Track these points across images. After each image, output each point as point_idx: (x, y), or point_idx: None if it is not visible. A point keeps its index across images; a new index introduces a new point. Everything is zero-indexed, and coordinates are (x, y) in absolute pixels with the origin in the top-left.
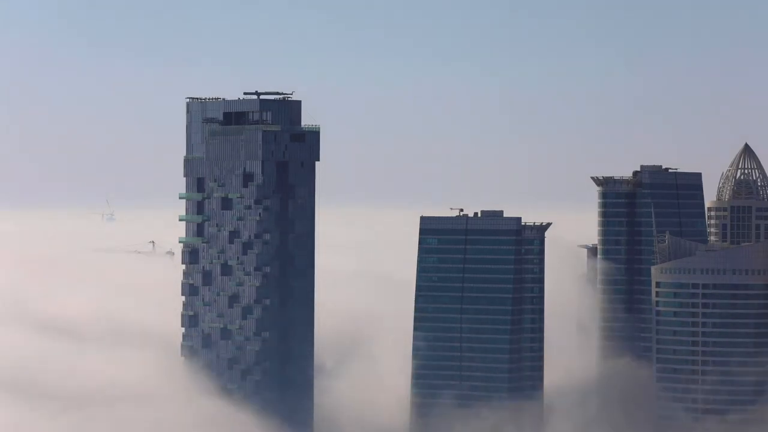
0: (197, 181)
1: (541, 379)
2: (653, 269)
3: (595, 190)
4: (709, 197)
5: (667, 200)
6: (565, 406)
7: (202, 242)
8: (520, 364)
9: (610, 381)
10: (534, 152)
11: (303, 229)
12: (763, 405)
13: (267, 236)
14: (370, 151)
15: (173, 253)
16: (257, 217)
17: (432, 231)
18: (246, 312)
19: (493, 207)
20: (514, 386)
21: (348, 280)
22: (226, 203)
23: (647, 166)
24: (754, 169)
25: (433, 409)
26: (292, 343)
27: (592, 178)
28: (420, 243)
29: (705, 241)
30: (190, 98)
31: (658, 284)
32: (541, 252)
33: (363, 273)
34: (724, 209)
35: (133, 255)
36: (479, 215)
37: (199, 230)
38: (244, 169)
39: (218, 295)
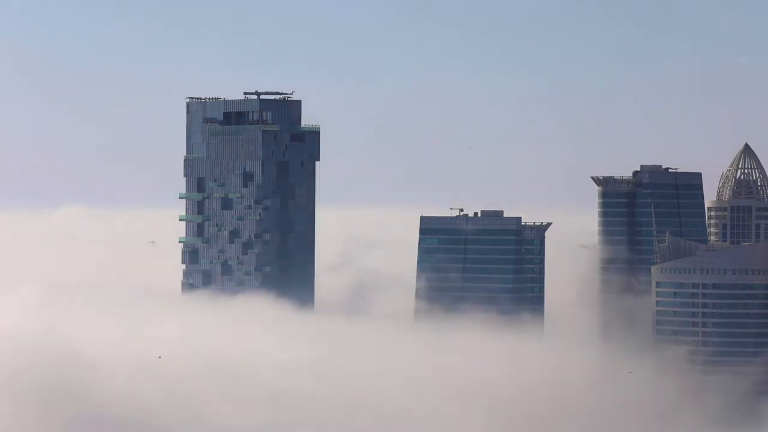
0: (197, 181)
1: None
2: (653, 269)
3: (595, 190)
4: (709, 197)
5: (667, 200)
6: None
7: (202, 242)
8: None
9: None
10: (534, 152)
11: (303, 229)
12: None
13: (267, 236)
14: (370, 151)
15: (153, 242)
16: (257, 217)
17: (432, 231)
18: None
19: (493, 207)
20: None
21: (347, 280)
22: (226, 203)
23: (647, 166)
24: (754, 169)
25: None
26: None
27: (592, 178)
28: (420, 243)
29: (705, 241)
30: (190, 98)
31: (658, 284)
32: (541, 252)
33: (362, 273)
34: (724, 209)
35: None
36: (479, 215)
37: (199, 230)
38: (244, 169)
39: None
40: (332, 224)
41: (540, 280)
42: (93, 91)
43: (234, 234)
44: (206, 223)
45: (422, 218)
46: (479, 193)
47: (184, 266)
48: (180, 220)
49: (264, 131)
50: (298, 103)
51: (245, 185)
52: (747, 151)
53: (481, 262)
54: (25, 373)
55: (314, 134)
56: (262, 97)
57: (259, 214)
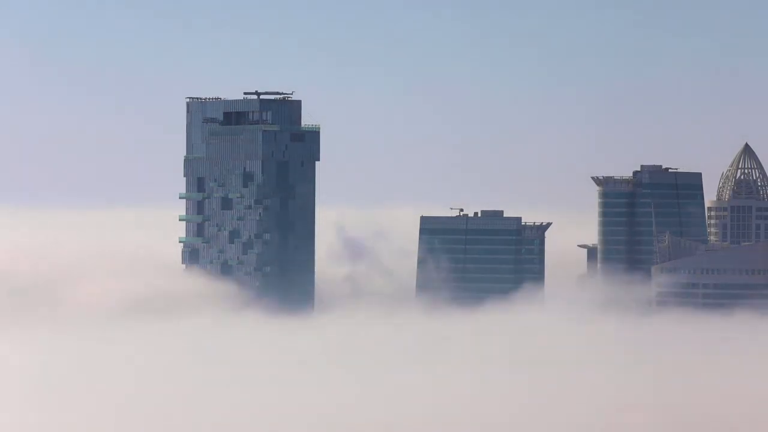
0: (197, 181)
1: None
2: (653, 269)
3: (595, 190)
4: (709, 197)
5: (667, 200)
6: None
7: (202, 242)
8: None
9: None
10: (534, 152)
11: (303, 229)
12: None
13: (267, 236)
14: (370, 151)
15: None
16: (257, 217)
17: (432, 231)
18: None
19: (493, 207)
20: None
21: (347, 280)
22: (226, 203)
23: (647, 166)
24: (754, 169)
25: None
26: None
27: (592, 178)
28: (420, 243)
29: (705, 241)
30: (190, 98)
31: (658, 284)
32: (541, 252)
33: (362, 272)
34: (724, 209)
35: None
36: (479, 215)
37: (199, 230)
38: (244, 169)
39: None
40: (332, 224)
41: (540, 280)
42: (93, 90)
43: (234, 234)
44: (206, 223)
45: (422, 218)
46: (479, 193)
47: (184, 266)
48: (180, 220)
49: (264, 131)
50: (298, 103)
51: (245, 185)
52: (747, 151)
53: (481, 262)
54: None
55: (314, 134)
56: (262, 97)
57: (259, 214)
